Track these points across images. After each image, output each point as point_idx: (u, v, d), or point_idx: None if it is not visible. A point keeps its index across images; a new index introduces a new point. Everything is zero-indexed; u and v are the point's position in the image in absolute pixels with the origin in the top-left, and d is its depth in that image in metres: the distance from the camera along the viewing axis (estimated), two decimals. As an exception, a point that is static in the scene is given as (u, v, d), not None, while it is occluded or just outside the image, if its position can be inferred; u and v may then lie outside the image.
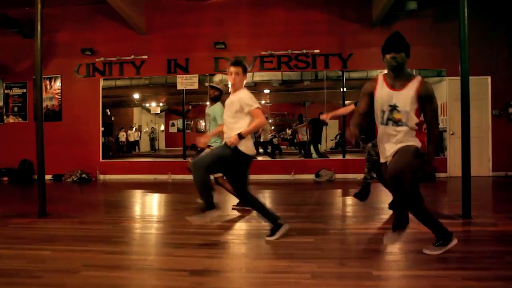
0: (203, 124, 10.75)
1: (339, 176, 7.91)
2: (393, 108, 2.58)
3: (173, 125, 9.92)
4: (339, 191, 6.39)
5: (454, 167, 7.95)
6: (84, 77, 8.61)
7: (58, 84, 8.66)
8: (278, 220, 3.25)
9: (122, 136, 9.49)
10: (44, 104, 8.64)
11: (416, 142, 2.58)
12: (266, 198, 5.85)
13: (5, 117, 8.89)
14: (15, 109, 8.84)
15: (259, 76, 8.44)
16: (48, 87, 8.65)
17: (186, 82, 8.31)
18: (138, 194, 6.52)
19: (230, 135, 3.19)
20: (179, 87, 8.33)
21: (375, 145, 4.03)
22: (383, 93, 2.63)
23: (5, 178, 8.53)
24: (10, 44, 8.51)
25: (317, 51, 7.97)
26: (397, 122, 2.58)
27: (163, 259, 2.93)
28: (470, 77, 7.57)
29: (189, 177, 6.46)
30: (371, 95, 2.73)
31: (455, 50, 7.34)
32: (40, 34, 4.63)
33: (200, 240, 3.33)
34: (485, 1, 7.71)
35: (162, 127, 10.42)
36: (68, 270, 2.59)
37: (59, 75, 8.66)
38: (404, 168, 2.43)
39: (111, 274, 2.54)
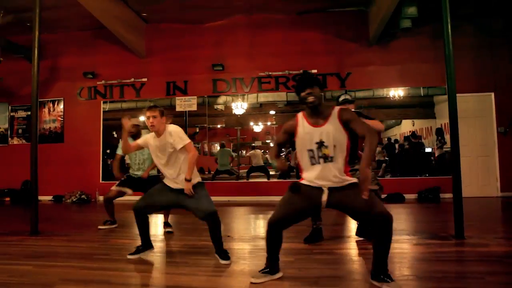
0: (210, 146, 10.90)
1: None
2: (321, 145, 2.51)
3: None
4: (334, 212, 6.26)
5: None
6: (86, 100, 8.86)
7: (61, 106, 8.91)
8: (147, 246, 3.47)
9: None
10: (47, 126, 8.92)
11: (351, 178, 2.54)
12: (262, 218, 5.79)
13: (10, 138, 9.16)
14: (20, 131, 9.12)
15: (264, 97, 8.45)
16: (52, 109, 8.92)
17: (185, 104, 8.44)
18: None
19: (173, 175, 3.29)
20: (178, 108, 8.46)
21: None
22: (306, 132, 2.57)
23: (7, 199, 8.70)
24: (17, 69, 8.84)
25: (314, 71, 8.01)
26: (327, 158, 2.51)
27: (138, 275, 3.01)
28: (473, 94, 7.73)
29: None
30: (291, 135, 2.68)
31: (456, 67, 7.36)
32: (37, 60, 4.77)
33: (178, 258, 3.35)
34: (488, 18, 7.71)
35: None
36: (44, 284, 2.71)
37: (62, 98, 8.94)
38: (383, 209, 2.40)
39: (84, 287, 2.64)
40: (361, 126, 2.49)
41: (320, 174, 2.52)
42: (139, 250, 3.44)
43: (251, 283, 2.62)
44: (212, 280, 2.78)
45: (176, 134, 3.27)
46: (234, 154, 9.48)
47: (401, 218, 5.40)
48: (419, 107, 8.11)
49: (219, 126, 9.51)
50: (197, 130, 9.30)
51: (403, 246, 3.63)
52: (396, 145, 8.92)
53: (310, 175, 2.57)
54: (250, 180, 8.83)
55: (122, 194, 4.82)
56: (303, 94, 2.54)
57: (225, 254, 3.21)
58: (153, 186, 3.47)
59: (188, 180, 3.20)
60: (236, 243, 4.00)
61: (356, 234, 4.04)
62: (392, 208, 6.42)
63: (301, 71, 8.04)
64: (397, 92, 8.03)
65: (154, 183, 3.72)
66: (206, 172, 9.49)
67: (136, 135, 4.70)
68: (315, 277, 2.76)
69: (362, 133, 2.47)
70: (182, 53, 8.48)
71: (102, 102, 8.80)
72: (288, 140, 2.73)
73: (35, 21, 4.79)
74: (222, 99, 8.56)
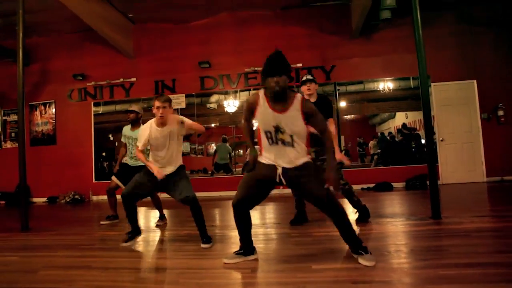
0: (207, 146, 10.97)
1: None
2: (278, 130, 2.52)
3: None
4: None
5: (446, 174, 7.91)
6: (76, 101, 9.01)
7: (52, 109, 9.05)
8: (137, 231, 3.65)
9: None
10: (40, 129, 9.05)
11: (307, 158, 2.62)
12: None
13: (3, 142, 9.30)
14: (12, 134, 9.26)
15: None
16: (43, 112, 9.06)
17: (174, 102, 8.52)
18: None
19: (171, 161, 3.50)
20: (167, 106, 8.55)
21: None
22: (266, 113, 2.55)
23: (2, 202, 8.85)
24: (7, 73, 9.01)
25: (299, 65, 8.17)
26: (285, 143, 2.55)
27: (117, 260, 3.09)
28: (456, 82, 7.88)
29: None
30: (253, 111, 2.65)
31: (438, 56, 7.57)
32: (22, 63, 4.92)
33: (160, 245, 3.50)
34: (469, 5, 7.86)
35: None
36: (27, 271, 2.85)
37: (53, 101, 9.09)
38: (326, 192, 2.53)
39: (66, 272, 2.77)
40: (320, 123, 2.58)
41: (277, 155, 2.59)
42: (130, 237, 3.58)
43: (224, 263, 2.75)
44: (189, 262, 2.90)
45: (188, 122, 3.52)
46: (232, 153, 9.55)
47: (386, 204, 5.57)
48: (410, 99, 8.24)
49: (213, 125, 9.63)
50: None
51: (385, 227, 3.81)
52: (388, 137, 9.10)
53: (268, 155, 2.65)
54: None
55: (118, 186, 4.92)
56: (269, 79, 2.45)
57: (207, 239, 3.36)
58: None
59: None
60: (221, 230, 4.16)
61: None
62: (379, 196, 6.61)
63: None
64: (386, 85, 8.18)
65: None
66: (209, 172, 9.50)
67: (135, 121, 4.86)
68: (287, 256, 2.92)
69: (319, 130, 2.59)
70: (169, 52, 8.64)
71: (92, 103, 8.95)
72: (251, 118, 2.71)
73: (19, 23, 4.93)
74: (214, 97, 8.69)
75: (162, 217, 4.84)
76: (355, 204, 4.12)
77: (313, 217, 4.41)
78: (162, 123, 3.43)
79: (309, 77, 4.23)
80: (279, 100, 2.51)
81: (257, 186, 2.66)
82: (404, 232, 3.57)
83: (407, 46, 7.78)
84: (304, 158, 2.60)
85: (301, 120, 2.52)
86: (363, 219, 4.10)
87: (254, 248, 2.88)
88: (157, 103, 3.34)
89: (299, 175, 2.57)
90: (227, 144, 9.52)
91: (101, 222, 5.04)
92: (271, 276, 2.49)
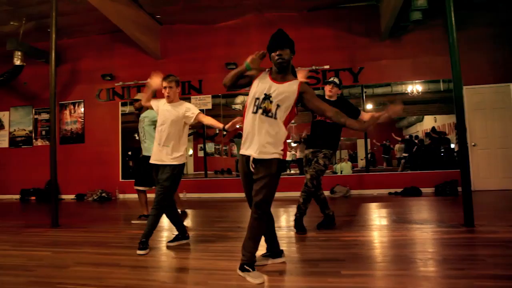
0: (230, 148, 11.01)
1: (354, 192, 7.83)
2: (267, 97, 2.54)
3: (201, 149, 10.25)
4: (347, 204, 6.35)
5: (478, 180, 7.63)
6: (104, 101, 9.24)
7: (81, 108, 9.33)
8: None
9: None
10: (69, 128, 9.34)
11: (278, 151, 2.55)
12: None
13: (34, 140, 9.65)
14: (43, 132, 9.59)
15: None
16: (72, 111, 9.35)
17: (200, 102, 8.68)
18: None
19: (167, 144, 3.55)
20: (193, 107, 8.66)
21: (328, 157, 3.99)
22: (263, 82, 2.61)
23: (33, 198, 9.19)
24: (39, 73, 9.37)
25: (327, 66, 8.10)
26: (267, 112, 2.53)
27: (147, 259, 3.15)
28: (490, 85, 7.61)
29: (203, 195, 6.60)
30: (250, 80, 2.70)
31: (471, 58, 7.34)
32: (54, 63, 5.11)
33: (188, 246, 3.54)
34: (504, 7, 7.60)
35: (191, 151, 10.74)
36: (59, 266, 2.95)
37: (82, 100, 9.36)
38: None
39: (96, 269, 2.85)
40: (317, 103, 2.58)
41: (251, 135, 2.56)
42: (177, 237, 3.75)
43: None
44: (217, 264, 2.91)
45: (192, 108, 3.61)
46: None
47: (415, 210, 5.44)
48: (440, 102, 8.04)
49: (238, 126, 9.63)
50: (217, 132, 9.37)
51: (414, 234, 3.73)
52: (416, 141, 8.91)
53: (244, 139, 2.63)
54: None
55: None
56: (273, 54, 2.60)
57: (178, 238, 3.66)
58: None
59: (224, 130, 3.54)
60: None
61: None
62: (408, 201, 6.45)
63: (313, 67, 8.15)
64: (415, 88, 8.01)
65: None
66: (234, 173, 9.50)
67: (140, 108, 5.07)
68: (315, 259, 2.90)
69: (318, 111, 2.59)
70: (196, 53, 8.74)
71: (120, 103, 9.16)
72: (246, 78, 2.72)
73: (52, 25, 5.11)
74: (239, 98, 8.73)
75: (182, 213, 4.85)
76: (326, 213, 4.19)
77: (340, 221, 4.36)
78: (170, 102, 3.62)
79: (336, 80, 4.24)
80: (280, 74, 2.61)
81: (248, 182, 2.65)
82: (435, 239, 3.48)
83: (437, 48, 7.64)
84: (275, 151, 2.52)
85: (293, 99, 2.55)
86: (328, 226, 4.16)
87: (282, 251, 2.87)
88: (164, 83, 3.56)
89: (257, 169, 2.53)
90: None
91: (132, 221, 5.10)
92: (299, 279, 2.48)
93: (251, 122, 2.58)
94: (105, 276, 2.65)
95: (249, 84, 2.70)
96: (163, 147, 3.52)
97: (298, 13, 8.33)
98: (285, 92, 2.54)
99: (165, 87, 3.55)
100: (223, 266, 2.82)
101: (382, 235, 3.76)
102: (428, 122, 8.63)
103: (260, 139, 2.52)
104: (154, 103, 3.75)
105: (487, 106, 7.71)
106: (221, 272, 2.67)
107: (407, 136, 9.06)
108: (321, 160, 3.98)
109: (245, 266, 2.52)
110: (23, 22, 8.16)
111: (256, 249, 2.55)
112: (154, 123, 4.67)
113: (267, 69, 2.70)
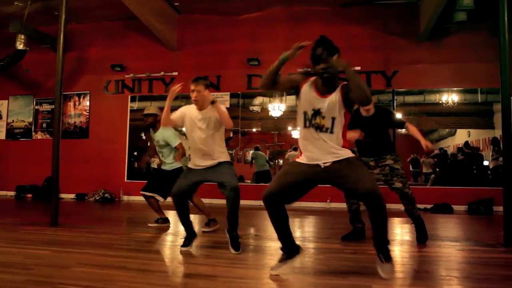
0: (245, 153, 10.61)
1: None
2: (317, 113, 2.51)
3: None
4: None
5: (517, 199, 7.21)
6: (113, 94, 8.81)
7: (87, 100, 8.87)
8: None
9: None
10: (72, 121, 8.87)
11: (349, 152, 2.54)
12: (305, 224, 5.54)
13: (33, 133, 9.17)
14: (44, 125, 9.14)
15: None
16: (77, 103, 8.90)
17: (218, 100, 8.19)
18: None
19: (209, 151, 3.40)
20: (209, 105, 8.23)
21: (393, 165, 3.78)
22: (309, 94, 2.56)
23: (29, 195, 8.74)
24: (43, 59, 8.85)
25: (358, 68, 7.62)
26: (320, 128, 2.50)
27: (156, 263, 3.07)
28: None
29: (215, 201, 6.31)
30: (295, 88, 2.64)
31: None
32: (62, 50, 4.77)
33: (199, 251, 3.46)
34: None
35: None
36: (60, 266, 2.84)
37: (88, 92, 8.92)
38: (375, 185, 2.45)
39: (101, 271, 2.74)
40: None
41: (313, 145, 2.52)
42: (187, 243, 3.44)
43: (271, 274, 2.61)
44: (230, 271, 2.78)
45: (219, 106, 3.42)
46: (271, 163, 9.20)
47: (448, 227, 5.33)
48: (476, 115, 7.58)
49: (254, 130, 9.17)
50: (231, 135, 9.03)
51: (448, 251, 3.61)
52: (449, 155, 8.50)
53: (304, 147, 2.56)
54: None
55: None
56: (317, 67, 2.50)
57: (235, 243, 3.29)
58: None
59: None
60: (264, 241, 3.98)
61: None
62: (439, 218, 6.28)
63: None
64: (450, 97, 7.56)
65: (178, 175, 3.73)
66: (247, 181, 9.22)
67: (154, 125, 4.78)
68: (344, 272, 2.75)
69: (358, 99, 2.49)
70: (215, 46, 8.31)
71: (129, 96, 8.73)
72: (287, 84, 2.69)
73: (61, 8, 4.75)
74: (258, 100, 8.29)
75: (208, 223, 4.52)
76: (355, 226, 4.03)
77: (367, 233, 4.06)
78: (199, 108, 3.41)
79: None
80: (326, 86, 2.53)
81: (294, 181, 2.53)
82: (473, 258, 3.35)
83: (480, 54, 7.25)
84: (343, 151, 2.51)
85: (340, 104, 2.49)
86: (352, 238, 3.95)
87: (298, 247, 2.71)
88: (191, 86, 3.34)
89: (339, 168, 2.48)
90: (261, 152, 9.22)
91: (149, 225, 4.77)
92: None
93: (307, 135, 2.57)
94: (111, 279, 2.52)
95: (295, 90, 2.65)
96: (207, 156, 3.41)
97: (329, 8, 7.94)
98: (332, 105, 2.50)
99: (192, 91, 3.33)
100: (240, 274, 2.70)
101: (413, 251, 3.65)
102: (461, 137, 8.23)
103: (324, 148, 2.51)
104: (177, 114, 3.47)
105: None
106: (239, 281, 2.54)
107: (437, 151, 8.62)
108: (397, 165, 3.81)
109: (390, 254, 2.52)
110: (28, 2, 7.65)
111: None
112: (169, 143, 4.64)
113: (312, 79, 2.62)
